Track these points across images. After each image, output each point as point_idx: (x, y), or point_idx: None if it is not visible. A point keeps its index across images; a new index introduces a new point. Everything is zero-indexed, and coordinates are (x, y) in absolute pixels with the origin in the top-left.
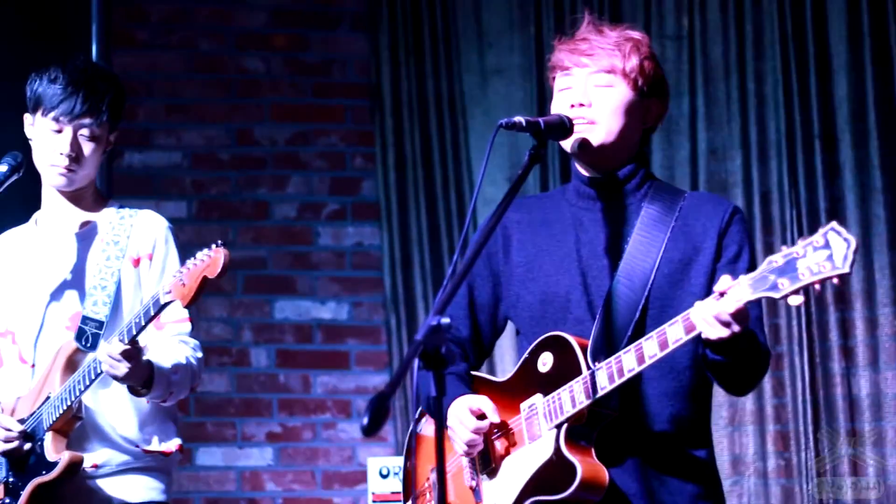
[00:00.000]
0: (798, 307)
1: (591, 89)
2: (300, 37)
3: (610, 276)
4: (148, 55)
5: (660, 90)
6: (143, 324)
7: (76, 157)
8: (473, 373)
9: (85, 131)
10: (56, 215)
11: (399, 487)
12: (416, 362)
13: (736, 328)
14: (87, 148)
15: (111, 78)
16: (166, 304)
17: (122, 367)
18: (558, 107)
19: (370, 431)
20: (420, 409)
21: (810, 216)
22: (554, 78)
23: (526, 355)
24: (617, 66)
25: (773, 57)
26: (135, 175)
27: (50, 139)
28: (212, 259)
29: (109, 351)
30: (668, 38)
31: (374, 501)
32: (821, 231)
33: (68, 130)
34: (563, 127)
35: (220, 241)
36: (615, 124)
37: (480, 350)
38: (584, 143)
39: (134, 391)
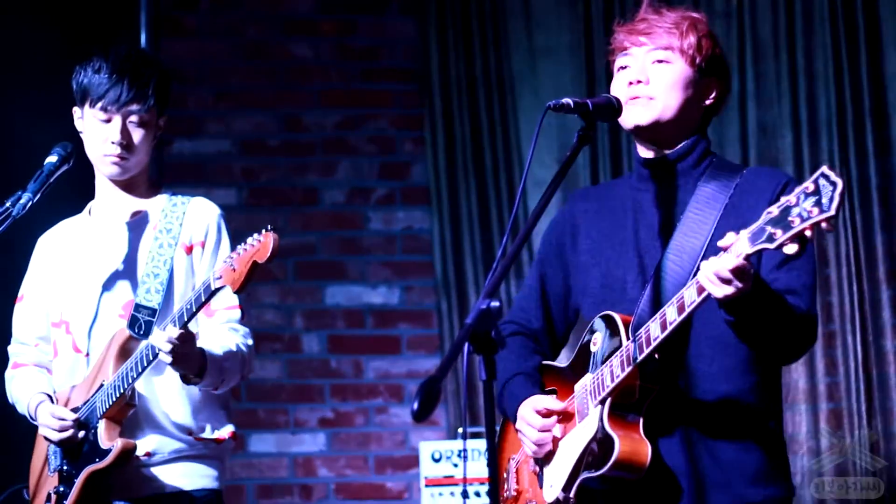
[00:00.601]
0: (851, 285)
1: (649, 66)
2: (348, 22)
3: (661, 256)
4: (196, 42)
5: (719, 69)
6: (194, 310)
7: (127, 144)
8: (543, 363)
9: (134, 118)
10: (109, 205)
11: (451, 472)
12: (465, 346)
13: (738, 284)
14: (137, 134)
15: (155, 62)
16: (217, 289)
17: (177, 352)
18: (617, 86)
19: (421, 416)
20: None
21: (861, 193)
22: (614, 60)
23: (583, 338)
24: (674, 44)
25: (822, 33)
26: (184, 163)
27: (100, 129)
28: (261, 244)
29: (165, 336)
30: (717, 15)
31: (426, 486)
32: (812, 177)
33: (117, 119)
34: (612, 108)
35: (269, 226)
36: (673, 100)
37: (554, 341)
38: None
39: (186, 379)
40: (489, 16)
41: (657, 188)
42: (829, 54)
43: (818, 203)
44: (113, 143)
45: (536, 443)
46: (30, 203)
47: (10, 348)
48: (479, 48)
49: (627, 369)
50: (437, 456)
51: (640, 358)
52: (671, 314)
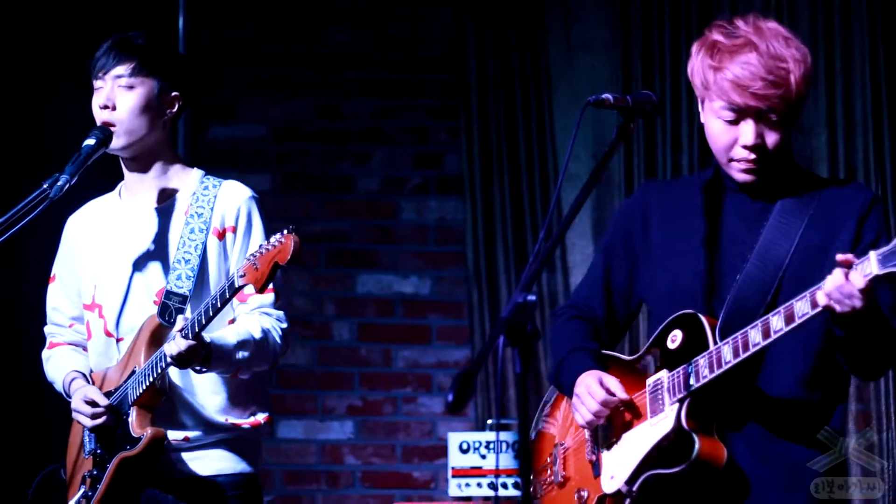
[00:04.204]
0: None
1: (764, 130)
2: (385, 10)
3: (743, 261)
4: (233, 28)
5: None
6: (219, 305)
7: (112, 107)
8: (604, 352)
9: (121, 81)
10: (135, 188)
11: (479, 462)
12: (500, 339)
13: (858, 304)
14: (124, 98)
15: (153, 38)
16: (241, 286)
17: (182, 360)
18: (723, 140)
19: (456, 408)
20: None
21: None
22: (708, 98)
23: (656, 333)
24: (791, 103)
25: (860, 32)
26: (219, 148)
27: (95, 101)
28: (282, 245)
29: (175, 349)
30: (755, 13)
31: (453, 476)
32: None
33: (107, 85)
34: (651, 104)
35: (291, 227)
36: (778, 156)
37: (615, 330)
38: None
39: (194, 370)
40: (527, 8)
41: (740, 197)
42: (867, 53)
43: None
44: (100, 107)
45: (595, 413)
46: (67, 185)
47: (46, 329)
48: (516, 40)
49: (717, 371)
50: (464, 447)
51: (733, 362)
52: (776, 323)
